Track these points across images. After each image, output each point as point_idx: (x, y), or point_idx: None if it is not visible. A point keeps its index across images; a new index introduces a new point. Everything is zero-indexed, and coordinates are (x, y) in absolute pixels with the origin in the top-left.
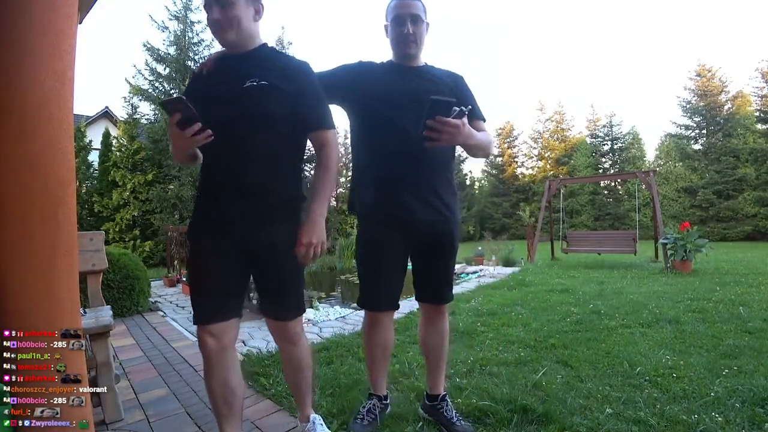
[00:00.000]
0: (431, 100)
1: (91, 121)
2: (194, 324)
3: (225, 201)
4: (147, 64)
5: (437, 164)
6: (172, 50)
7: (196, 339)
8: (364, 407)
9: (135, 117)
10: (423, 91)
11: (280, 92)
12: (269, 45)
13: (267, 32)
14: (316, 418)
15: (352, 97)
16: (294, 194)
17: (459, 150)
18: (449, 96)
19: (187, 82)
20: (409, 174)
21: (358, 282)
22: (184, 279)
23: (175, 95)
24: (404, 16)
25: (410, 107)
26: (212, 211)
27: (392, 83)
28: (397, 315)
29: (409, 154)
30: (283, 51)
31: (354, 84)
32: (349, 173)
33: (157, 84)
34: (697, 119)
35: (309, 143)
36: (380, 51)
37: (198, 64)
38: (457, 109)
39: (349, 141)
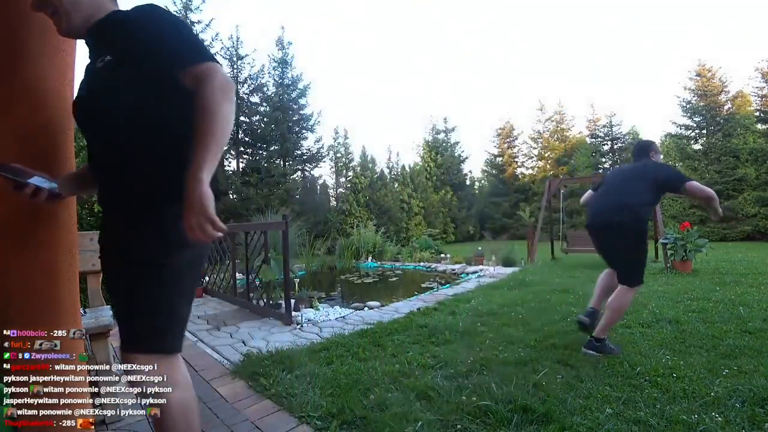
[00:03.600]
0: None
1: None
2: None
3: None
4: None
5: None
6: None
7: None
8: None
9: None
10: None
11: None
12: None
13: (266, 32)
14: None
15: None
16: None
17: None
18: None
19: None
20: None
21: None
22: None
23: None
24: None
25: None
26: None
27: None
28: (396, 315)
29: None
30: (283, 50)
31: None
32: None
33: None
34: (697, 119)
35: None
36: (379, 50)
37: None
38: None
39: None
